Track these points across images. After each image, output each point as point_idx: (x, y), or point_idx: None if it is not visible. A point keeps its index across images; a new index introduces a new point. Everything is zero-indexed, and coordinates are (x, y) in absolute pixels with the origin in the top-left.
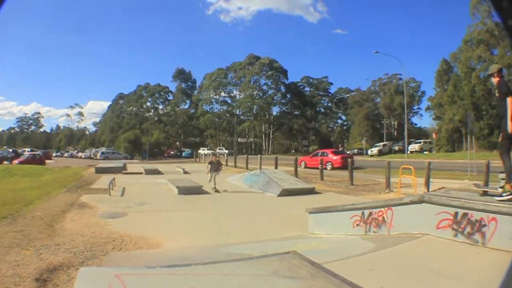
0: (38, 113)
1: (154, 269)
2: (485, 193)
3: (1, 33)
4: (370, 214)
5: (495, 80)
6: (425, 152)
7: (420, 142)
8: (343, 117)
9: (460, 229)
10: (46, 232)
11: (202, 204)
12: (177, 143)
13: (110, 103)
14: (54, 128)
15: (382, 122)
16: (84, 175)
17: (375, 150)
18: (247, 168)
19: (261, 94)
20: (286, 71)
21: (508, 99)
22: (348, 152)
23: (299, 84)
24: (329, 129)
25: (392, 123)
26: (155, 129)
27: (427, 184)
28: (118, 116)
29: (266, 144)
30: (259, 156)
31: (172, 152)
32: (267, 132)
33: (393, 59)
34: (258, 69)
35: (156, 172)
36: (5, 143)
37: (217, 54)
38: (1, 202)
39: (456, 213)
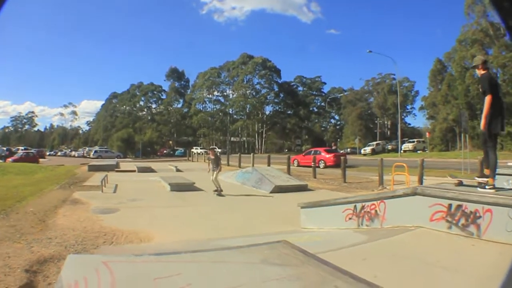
0: (32, 112)
1: (141, 256)
2: (460, 183)
3: None
4: (363, 207)
5: (479, 72)
6: (419, 152)
7: (413, 142)
8: (336, 117)
9: (454, 221)
10: (38, 226)
11: (194, 200)
12: (170, 142)
13: (103, 102)
14: (48, 127)
15: (376, 121)
16: (77, 173)
17: (368, 149)
18: (239, 167)
19: (254, 93)
20: (279, 71)
21: (487, 98)
22: (341, 151)
23: (292, 83)
24: (322, 128)
25: (386, 122)
26: (148, 128)
27: (421, 181)
28: (112, 115)
29: (259, 143)
30: (251, 154)
31: (165, 151)
32: (260, 131)
33: (387, 59)
34: (251, 68)
35: (149, 170)
36: None
37: (211, 53)
38: None
39: (450, 205)
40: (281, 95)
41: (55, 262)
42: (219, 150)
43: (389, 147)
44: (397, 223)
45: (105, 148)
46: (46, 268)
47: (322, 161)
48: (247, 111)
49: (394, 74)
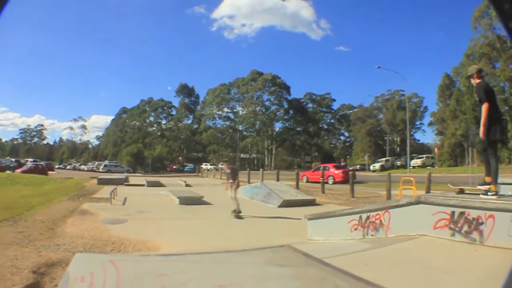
0: (41, 125)
1: (147, 256)
2: (461, 191)
3: (5, 44)
4: (368, 217)
5: (474, 81)
6: (428, 167)
7: (422, 157)
8: (346, 134)
9: (457, 228)
10: (47, 234)
11: (202, 213)
12: (180, 158)
13: (113, 117)
14: (57, 141)
15: (385, 138)
16: (86, 185)
17: (377, 166)
18: (249, 182)
19: (263, 110)
20: (289, 87)
21: (483, 106)
22: (350, 168)
23: (302, 100)
24: (332, 145)
25: (395, 139)
26: (158, 144)
27: None
28: (121, 130)
29: (269, 160)
30: (261, 170)
31: (174, 167)
32: (269, 148)
33: (396, 75)
34: (261, 85)
35: (158, 184)
36: (8, 154)
37: (221, 70)
38: (3, 206)
39: (453, 212)
40: (291, 112)
41: (62, 266)
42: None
43: (398, 163)
44: (401, 232)
45: (115, 163)
46: (53, 271)
47: (331, 177)
48: (257, 127)
49: (403, 90)
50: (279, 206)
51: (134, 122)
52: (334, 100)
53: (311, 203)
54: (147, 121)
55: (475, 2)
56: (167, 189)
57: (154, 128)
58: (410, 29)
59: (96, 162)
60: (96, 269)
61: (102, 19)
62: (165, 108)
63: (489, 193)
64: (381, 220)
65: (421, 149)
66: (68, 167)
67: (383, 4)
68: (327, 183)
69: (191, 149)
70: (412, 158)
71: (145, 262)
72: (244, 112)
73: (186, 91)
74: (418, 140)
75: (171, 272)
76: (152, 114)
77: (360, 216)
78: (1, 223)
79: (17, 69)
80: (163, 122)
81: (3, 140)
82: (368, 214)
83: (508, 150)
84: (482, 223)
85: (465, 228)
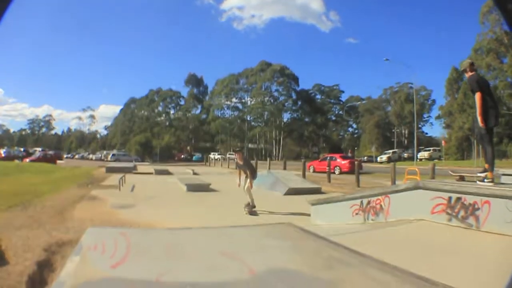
0: (50, 115)
1: (156, 229)
2: (461, 179)
3: (13, 35)
4: (369, 202)
5: (467, 75)
6: (435, 160)
7: (429, 150)
8: (354, 125)
9: (454, 213)
10: (56, 218)
11: (209, 200)
12: (188, 147)
13: (121, 107)
14: (65, 131)
15: (393, 130)
16: (94, 174)
17: (384, 157)
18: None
19: (272, 101)
20: (297, 78)
21: (476, 96)
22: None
23: (310, 91)
24: (340, 136)
25: (403, 131)
26: (166, 133)
27: None
28: (130, 120)
29: (277, 150)
30: (268, 159)
31: (182, 156)
32: (277, 138)
33: (405, 68)
34: (270, 75)
35: (166, 172)
36: (16, 144)
37: (230, 60)
38: (12, 193)
39: (450, 197)
40: (299, 103)
41: (73, 246)
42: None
43: (405, 155)
44: (400, 217)
45: (123, 152)
46: (63, 249)
47: (338, 167)
48: (265, 118)
49: (412, 83)
50: (285, 194)
51: (143, 112)
52: (343, 91)
53: (317, 191)
54: (156, 111)
55: None
56: (175, 177)
57: (162, 118)
58: (420, 22)
59: (105, 152)
60: (107, 239)
61: (111, 10)
62: (173, 98)
63: (485, 180)
64: (381, 205)
65: (428, 142)
66: (76, 156)
67: None
68: (333, 173)
69: (199, 139)
70: (419, 151)
71: (153, 233)
72: (252, 102)
73: (194, 81)
74: (426, 133)
75: (177, 241)
76: (161, 104)
77: (361, 201)
78: (12, 209)
79: (26, 60)
80: (172, 112)
81: (11, 130)
82: (369, 199)
83: None
84: (478, 209)
85: (462, 213)
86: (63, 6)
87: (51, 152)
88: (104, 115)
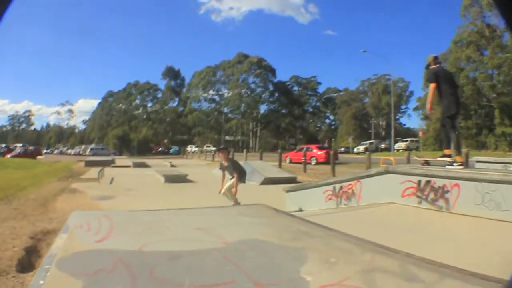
0: (29, 111)
1: (136, 211)
2: (426, 163)
3: None
4: (341, 187)
5: (431, 68)
6: (412, 151)
7: (407, 141)
8: (331, 117)
9: (424, 196)
10: (40, 210)
11: (187, 190)
12: (165, 140)
13: (100, 100)
14: (44, 126)
15: (370, 121)
16: (74, 168)
17: (361, 148)
18: None
19: (249, 93)
20: (274, 70)
21: (430, 86)
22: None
23: (287, 83)
24: (317, 128)
25: (380, 122)
26: (144, 126)
27: None
28: (107, 113)
29: (253, 142)
30: (244, 151)
31: (160, 149)
32: (254, 130)
33: (383, 60)
34: (247, 67)
35: (144, 165)
36: None
37: (207, 53)
38: None
39: (420, 181)
40: (276, 95)
41: (57, 233)
42: (213, 149)
43: (383, 146)
44: (372, 201)
45: (101, 146)
46: (48, 238)
47: (314, 158)
48: (242, 110)
49: (390, 75)
50: (261, 183)
51: (120, 105)
52: (320, 83)
53: (292, 180)
54: (133, 104)
55: None
56: (152, 169)
57: (140, 111)
58: (399, 15)
59: (83, 146)
60: (92, 220)
61: (88, 4)
62: (151, 91)
63: (454, 164)
64: (353, 190)
65: (406, 133)
66: (55, 151)
67: None
68: (309, 163)
69: (176, 132)
70: (396, 142)
71: (134, 214)
72: (229, 94)
73: (172, 73)
74: (404, 125)
75: (157, 220)
76: (138, 97)
77: (334, 187)
78: None
79: (7, 57)
80: (149, 105)
81: None
82: (341, 184)
83: (495, 137)
84: (447, 191)
85: (431, 196)
86: (44, 6)
87: (31, 148)
88: (83, 109)
